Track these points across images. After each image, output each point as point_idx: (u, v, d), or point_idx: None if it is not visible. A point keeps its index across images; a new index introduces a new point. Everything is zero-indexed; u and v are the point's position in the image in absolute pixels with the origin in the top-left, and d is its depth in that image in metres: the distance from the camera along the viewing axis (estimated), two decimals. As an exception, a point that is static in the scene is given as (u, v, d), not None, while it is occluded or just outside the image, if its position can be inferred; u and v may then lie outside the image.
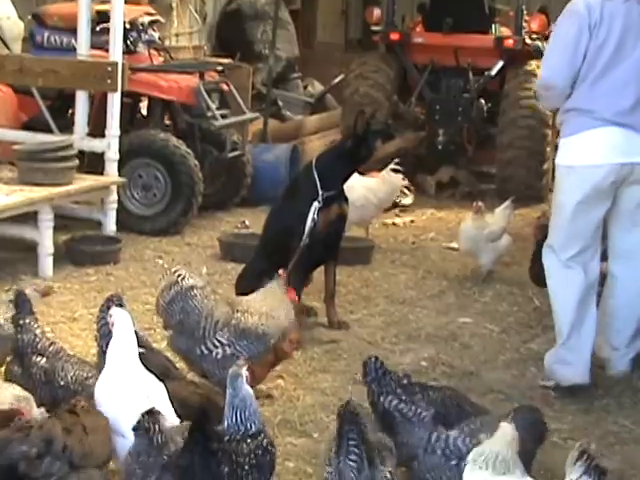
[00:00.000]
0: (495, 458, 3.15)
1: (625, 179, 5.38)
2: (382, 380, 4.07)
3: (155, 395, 4.06)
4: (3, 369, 4.91)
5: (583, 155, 5.37)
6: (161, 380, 4.25)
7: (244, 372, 3.73)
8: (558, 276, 5.47)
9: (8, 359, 4.88)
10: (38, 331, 4.78)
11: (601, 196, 5.38)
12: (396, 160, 8.19)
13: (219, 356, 4.91)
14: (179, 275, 5.02)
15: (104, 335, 4.72)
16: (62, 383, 4.53)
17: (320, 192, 6.15)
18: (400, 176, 8.40)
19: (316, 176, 6.21)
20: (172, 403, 4.13)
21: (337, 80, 12.24)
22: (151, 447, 3.65)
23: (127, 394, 4.06)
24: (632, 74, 5.36)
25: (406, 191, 9.81)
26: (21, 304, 4.86)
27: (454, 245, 8.28)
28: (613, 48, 5.33)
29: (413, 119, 10.64)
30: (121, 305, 4.82)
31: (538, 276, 6.17)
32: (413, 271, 7.67)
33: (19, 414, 3.97)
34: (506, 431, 3.27)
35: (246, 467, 3.57)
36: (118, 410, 3.99)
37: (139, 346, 4.35)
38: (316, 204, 6.12)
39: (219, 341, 4.93)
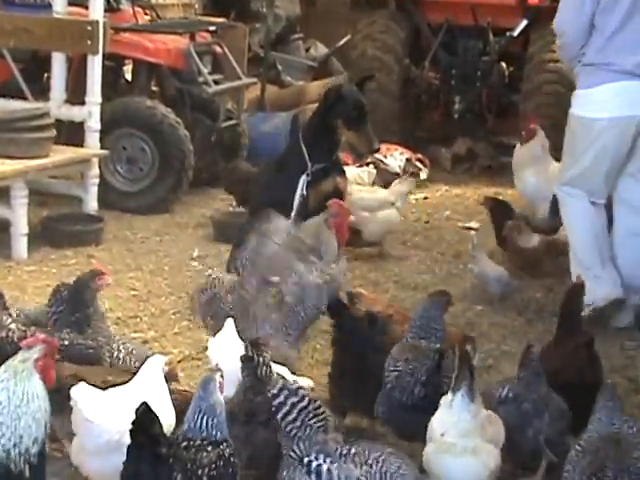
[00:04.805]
0: None
1: None
2: None
3: None
4: None
5: (604, 108, 5.93)
6: None
7: (218, 378, 3.84)
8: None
9: None
10: (12, 325, 4.80)
11: (621, 148, 6.00)
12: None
13: None
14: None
15: (58, 330, 4.81)
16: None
17: (309, 164, 6.23)
18: None
19: (303, 147, 6.34)
20: None
21: (342, 42, 12.24)
22: (256, 380, 4.13)
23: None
24: None
25: (419, 165, 9.81)
26: None
27: (472, 225, 8.38)
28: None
29: (426, 85, 10.71)
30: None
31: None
32: (426, 253, 7.73)
33: None
34: None
35: (204, 478, 3.60)
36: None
37: None
38: (304, 177, 6.23)
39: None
